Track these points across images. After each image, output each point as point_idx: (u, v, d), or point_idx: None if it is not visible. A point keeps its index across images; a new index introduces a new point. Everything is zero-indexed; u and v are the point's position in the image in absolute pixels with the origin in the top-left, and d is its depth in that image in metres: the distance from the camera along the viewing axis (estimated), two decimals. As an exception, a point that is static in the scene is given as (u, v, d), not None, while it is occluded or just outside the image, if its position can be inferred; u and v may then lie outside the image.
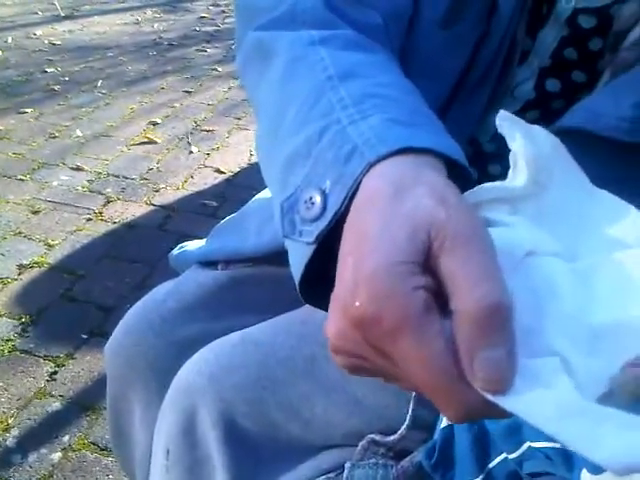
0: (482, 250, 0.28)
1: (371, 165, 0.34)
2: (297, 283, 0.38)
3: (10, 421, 1.32)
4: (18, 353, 1.49)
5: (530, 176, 0.32)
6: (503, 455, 0.44)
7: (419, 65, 0.45)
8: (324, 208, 0.36)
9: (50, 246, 1.87)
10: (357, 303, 0.28)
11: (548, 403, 0.25)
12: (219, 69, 3.37)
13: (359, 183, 0.34)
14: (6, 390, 1.39)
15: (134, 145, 2.51)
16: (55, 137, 2.53)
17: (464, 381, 0.27)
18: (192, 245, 0.81)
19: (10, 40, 3.57)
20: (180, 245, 0.83)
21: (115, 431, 0.81)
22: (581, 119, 0.45)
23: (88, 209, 2.07)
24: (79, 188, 2.18)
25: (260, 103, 0.49)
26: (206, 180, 2.30)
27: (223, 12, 4.49)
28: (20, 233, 1.92)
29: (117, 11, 4.34)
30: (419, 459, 0.50)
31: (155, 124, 2.70)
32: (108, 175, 2.28)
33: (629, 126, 0.42)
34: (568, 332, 0.28)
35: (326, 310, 0.41)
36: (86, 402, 1.38)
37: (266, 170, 0.46)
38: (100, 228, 1.98)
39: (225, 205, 2.12)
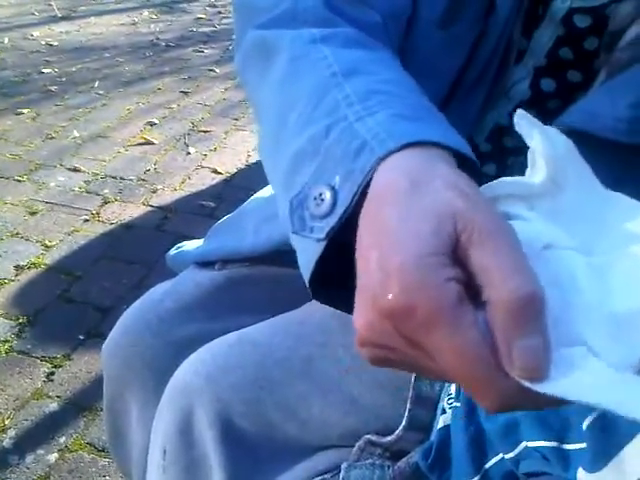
0: (510, 242, 0.29)
1: (381, 160, 0.34)
2: (307, 280, 0.38)
3: (7, 422, 1.32)
4: (15, 354, 1.48)
5: (548, 174, 0.33)
6: (500, 455, 0.44)
7: (417, 65, 0.45)
8: (334, 204, 0.36)
9: (47, 247, 1.87)
10: (389, 295, 0.28)
11: (587, 380, 0.26)
12: (216, 70, 3.37)
13: (370, 178, 0.34)
14: (3, 391, 1.39)
15: (131, 146, 2.51)
16: (52, 138, 2.52)
17: (500, 370, 0.27)
18: (189, 245, 0.81)
19: (7, 41, 3.57)
20: (177, 245, 0.83)
21: (112, 431, 0.81)
22: (578, 120, 0.45)
23: (85, 210, 2.07)
24: (76, 189, 2.18)
25: (262, 102, 0.49)
26: (203, 181, 2.30)
27: (220, 13, 4.49)
28: (17, 234, 1.91)
29: (114, 12, 4.33)
30: (416, 460, 0.50)
31: (152, 125, 2.70)
32: (105, 176, 2.28)
33: (626, 127, 0.42)
34: (591, 322, 0.28)
35: (334, 306, 0.41)
36: (83, 403, 1.38)
37: (270, 168, 0.46)
38: (97, 229, 1.97)
39: (222, 206, 2.12)
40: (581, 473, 0.36)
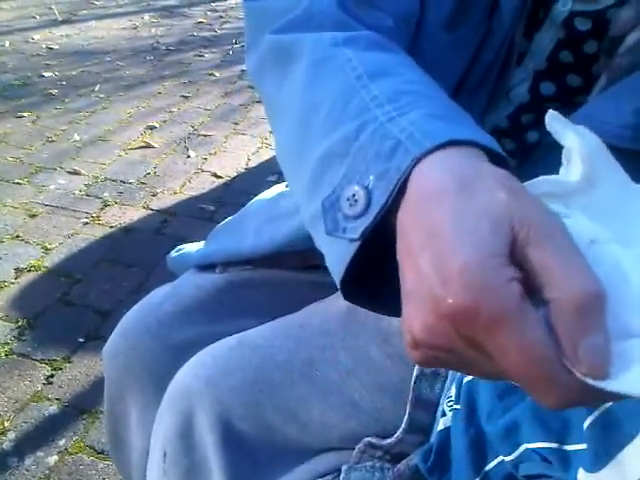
0: (567, 240, 0.29)
1: (417, 159, 0.34)
2: (338, 280, 0.38)
3: (6, 424, 1.32)
4: (15, 356, 1.48)
5: (584, 172, 0.33)
6: (500, 458, 0.44)
7: (423, 67, 0.45)
8: (368, 204, 0.36)
9: (47, 250, 1.87)
10: (450, 297, 0.28)
11: None
12: (216, 74, 3.38)
13: (405, 178, 0.34)
14: (3, 393, 1.39)
15: (131, 149, 2.51)
16: (53, 141, 2.53)
17: (565, 368, 0.27)
18: (190, 248, 0.82)
19: (8, 44, 3.58)
20: (178, 247, 0.84)
21: (112, 434, 0.81)
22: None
23: (85, 213, 2.07)
24: (76, 192, 2.18)
25: (281, 105, 0.49)
26: (203, 184, 2.30)
27: (220, 17, 4.50)
28: (17, 237, 1.92)
29: (115, 16, 4.34)
30: (415, 462, 0.50)
31: (152, 128, 2.70)
32: (105, 179, 2.28)
33: (631, 134, 0.42)
34: None
35: (363, 305, 0.41)
36: (82, 405, 1.38)
37: (291, 171, 0.46)
38: (97, 232, 1.97)
39: (222, 209, 2.12)
40: (581, 473, 0.36)
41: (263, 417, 0.61)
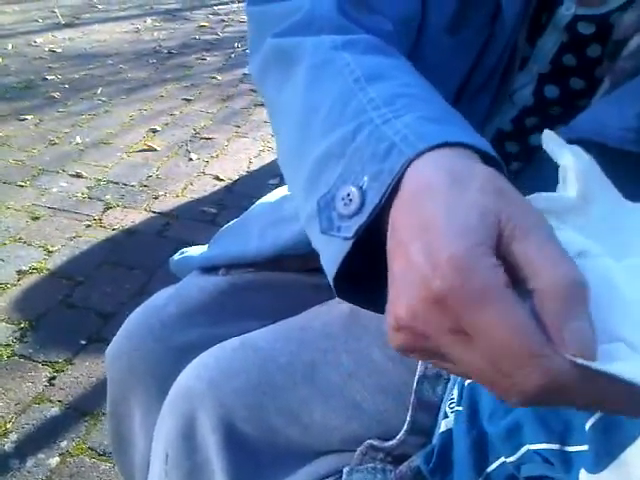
0: (551, 236, 0.30)
1: (411, 161, 0.35)
2: (331, 278, 0.39)
3: (8, 426, 1.32)
4: (17, 358, 1.49)
5: (579, 190, 0.34)
6: (501, 459, 0.44)
7: (425, 71, 0.46)
8: (362, 204, 0.36)
9: (49, 252, 1.88)
10: (438, 280, 0.29)
11: (636, 366, 0.27)
12: (218, 77, 3.39)
13: (398, 179, 0.35)
14: (4, 395, 1.39)
15: (133, 152, 2.52)
16: (55, 144, 2.53)
17: (551, 346, 0.28)
18: (193, 250, 0.82)
19: (10, 47, 3.59)
20: (181, 250, 0.84)
21: (115, 435, 0.81)
22: (586, 129, 0.45)
23: (87, 216, 2.07)
24: (78, 195, 2.19)
25: (283, 107, 0.50)
26: (205, 187, 2.30)
27: (223, 21, 4.51)
28: (20, 239, 1.92)
29: (117, 19, 4.35)
30: (417, 463, 0.51)
31: (155, 131, 2.71)
32: (107, 182, 2.29)
33: (634, 136, 0.43)
34: (630, 318, 0.29)
35: (356, 303, 0.42)
36: (84, 407, 1.38)
37: (290, 171, 0.47)
38: (99, 234, 1.98)
39: (224, 212, 2.13)
40: (583, 474, 0.37)
41: (265, 419, 0.61)
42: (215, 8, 4.83)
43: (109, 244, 1.94)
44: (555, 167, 0.36)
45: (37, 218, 2.03)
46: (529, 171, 0.58)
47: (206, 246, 0.81)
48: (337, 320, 0.65)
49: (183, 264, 0.83)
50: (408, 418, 0.54)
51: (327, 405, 0.60)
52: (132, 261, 1.86)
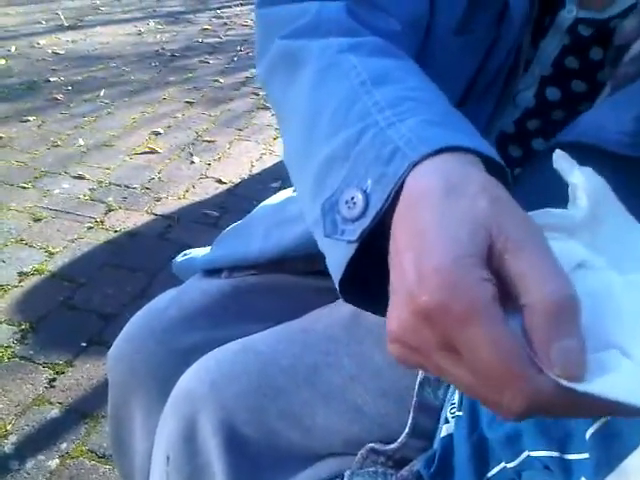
0: (545, 249, 0.29)
1: (414, 165, 0.35)
2: (337, 281, 0.39)
3: (8, 427, 1.32)
4: (17, 360, 1.49)
5: (590, 208, 0.34)
6: (502, 464, 0.44)
7: (432, 71, 0.46)
8: (366, 207, 0.36)
9: (51, 254, 1.88)
10: (425, 294, 0.28)
11: (623, 379, 0.27)
12: (221, 80, 3.39)
13: (402, 182, 0.35)
14: (5, 396, 1.39)
15: (136, 154, 2.53)
16: (57, 146, 2.54)
17: (536, 367, 0.27)
18: (196, 252, 0.82)
19: (14, 49, 3.60)
20: (184, 252, 0.84)
21: (115, 438, 0.81)
22: (583, 132, 0.46)
23: (89, 217, 2.08)
24: (81, 196, 2.19)
25: (289, 110, 0.50)
26: (207, 190, 2.31)
27: (225, 24, 4.53)
28: (21, 240, 1.92)
29: (120, 22, 4.37)
30: (418, 468, 0.51)
31: (157, 134, 2.71)
32: (110, 184, 2.29)
33: (630, 140, 0.43)
34: (625, 327, 0.29)
35: (362, 307, 0.42)
36: (84, 410, 1.38)
37: (297, 174, 0.47)
38: (101, 236, 1.98)
39: (226, 215, 2.13)
40: (583, 482, 0.37)
41: (267, 422, 0.61)
42: (218, 11, 4.85)
43: (111, 246, 1.94)
44: (558, 176, 0.36)
45: (39, 220, 2.03)
46: (531, 177, 0.58)
47: (209, 248, 0.81)
48: (339, 323, 0.65)
49: (186, 266, 0.83)
50: (409, 421, 0.54)
51: (329, 408, 0.60)
52: (134, 263, 1.86)
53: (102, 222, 2.06)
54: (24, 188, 2.21)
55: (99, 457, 1.28)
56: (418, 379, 0.55)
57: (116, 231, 2.02)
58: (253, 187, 2.33)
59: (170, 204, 2.20)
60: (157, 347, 0.72)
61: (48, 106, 2.89)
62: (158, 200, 2.22)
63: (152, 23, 4.40)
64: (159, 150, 2.56)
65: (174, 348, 0.72)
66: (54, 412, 1.37)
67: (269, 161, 2.55)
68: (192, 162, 2.50)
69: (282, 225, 0.71)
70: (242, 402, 0.62)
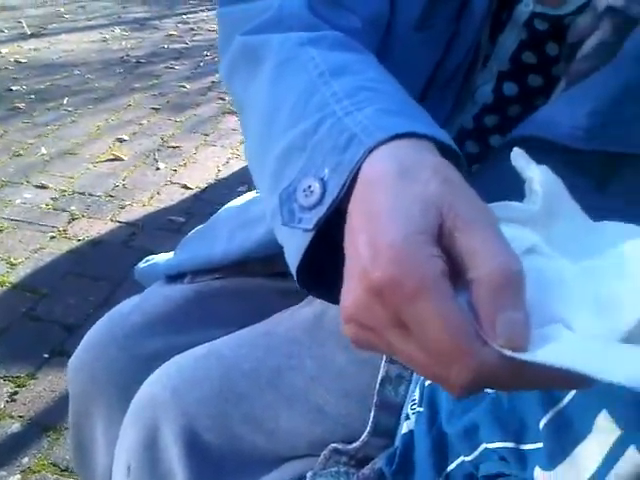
0: (494, 229, 0.30)
1: (369, 151, 0.35)
2: (294, 270, 0.39)
3: (-32, 444, 1.28)
4: (-23, 374, 1.45)
5: (544, 204, 0.35)
6: (460, 458, 0.45)
7: (392, 67, 0.47)
8: (323, 195, 0.37)
9: (13, 265, 1.83)
10: (377, 270, 0.29)
11: (564, 347, 0.27)
12: (187, 86, 3.37)
13: (358, 169, 0.35)
14: (-36, 412, 1.35)
15: (100, 162, 2.49)
16: (19, 155, 2.48)
17: (481, 339, 0.28)
18: (159, 258, 0.81)
19: (-26, 57, 3.52)
20: (146, 258, 0.83)
21: (77, 449, 0.80)
22: (537, 127, 0.47)
23: (52, 227, 2.03)
24: (43, 206, 2.15)
25: (250, 103, 0.50)
26: (173, 196, 2.28)
27: (191, 30, 4.50)
28: (-19, 252, 1.88)
29: (85, 29, 4.31)
30: (380, 466, 0.51)
31: (122, 141, 2.68)
32: (73, 192, 2.25)
33: (584, 134, 0.44)
34: (572, 305, 0.30)
35: (321, 297, 0.42)
36: (47, 422, 1.35)
37: (256, 167, 0.46)
38: (64, 246, 1.94)
39: (192, 221, 2.11)
40: (538, 471, 0.37)
41: (230, 427, 0.61)
42: (184, 17, 4.82)
43: (74, 255, 1.90)
44: (514, 172, 0.37)
45: (0, 231, 1.98)
46: (488, 173, 0.58)
47: (172, 253, 0.80)
48: (301, 325, 0.65)
49: (148, 272, 0.82)
50: (371, 419, 0.54)
51: (292, 410, 0.60)
52: (97, 272, 1.83)
53: (65, 231, 2.02)
54: (-16, 198, 2.16)
55: (62, 470, 1.25)
56: (379, 377, 0.55)
57: (79, 240, 1.98)
58: (219, 192, 2.31)
59: (135, 211, 2.17)
60: (119, 353, 0.71)
61: (10, 115, 2.83)
62: (122, 208, 2.18)
63: (117, 30, 4.35)
64: (124, 157, 2.53)
65: (136, 354, 0.71)
66: (15, 426, 1.33)
67: (236, 165, 2.54)
68: (157, 168, 2.47)
69: (246, 226, 0.71)
70: (204, 408, 0.61)
